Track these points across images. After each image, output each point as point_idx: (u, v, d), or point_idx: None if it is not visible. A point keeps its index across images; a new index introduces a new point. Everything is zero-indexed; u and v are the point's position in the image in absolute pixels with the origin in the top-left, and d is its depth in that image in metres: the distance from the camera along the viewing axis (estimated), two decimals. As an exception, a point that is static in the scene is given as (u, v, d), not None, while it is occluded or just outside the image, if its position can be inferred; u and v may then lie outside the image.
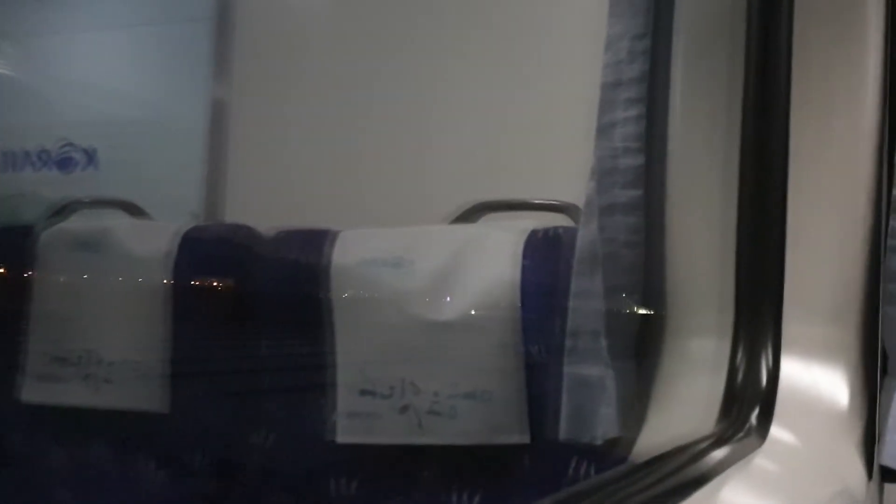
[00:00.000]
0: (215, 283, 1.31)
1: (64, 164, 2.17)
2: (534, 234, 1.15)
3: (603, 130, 0.75)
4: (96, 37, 2.23)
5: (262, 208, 1.84)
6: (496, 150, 1.82)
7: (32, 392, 1.31)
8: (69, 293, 1.34)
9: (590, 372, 0.74)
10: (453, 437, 1.12)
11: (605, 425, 0.72)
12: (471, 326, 1.12)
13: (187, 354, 1.27)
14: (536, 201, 1.30)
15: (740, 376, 0.66)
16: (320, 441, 1.17)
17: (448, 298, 1.14)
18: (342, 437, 1.16)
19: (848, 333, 0.70)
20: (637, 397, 0.72)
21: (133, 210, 1.45)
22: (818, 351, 0.69)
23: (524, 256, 1.13)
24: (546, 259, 1.13)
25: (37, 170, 2.19)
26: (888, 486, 0.72)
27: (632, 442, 0.69)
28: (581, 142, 0.79)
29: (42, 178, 2.17)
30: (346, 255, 1.19)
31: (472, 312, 1.12)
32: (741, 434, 0.63)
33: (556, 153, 1.28)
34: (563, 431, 0.76)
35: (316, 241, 1.22)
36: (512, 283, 1.12)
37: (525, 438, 1.11)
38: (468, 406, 1.11)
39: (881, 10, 0.70)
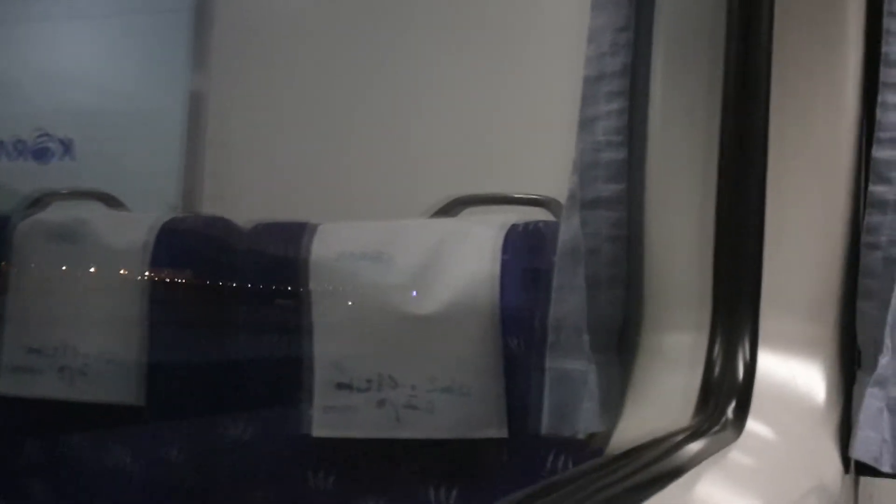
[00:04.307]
0: (192, 276, 1.30)
1: (40, 154, 2.15)
2: (514, 228, 1.15)
3: (585, 124, 0.75)
4: (74, 26, 2.21)
5: (240, 201, 1.83)
6: (477, 144, 1.82)
7: (7, 384, 1.30)
8: (45, 284, 1.33)
9: (572, 366, 0.74)
10: (431, 432, 1.12)
11: (587, 420, 0.73)
12: (450, 321, 1.12)
13: (164, 347, 1.27)
14: (517, 196, 1.30)
15: (717, 370, 0.67)
16: (297, 435, 1.16)
17: (427, 292, 1.13)
18: (318, 431, 1.16)
19: (825, 329, 0.70)
20: (617, 391, 0.72)
21: (110, 201, 1.44)
22: (795, 346, 0.70)
23: (504, 251, 1.13)
24: (526, 253, 1.13)
25: (12, 160, 2.16)
26: (863, 479, 0.72)
27: (608, 435, 0.69)
28: (563, 136, 0.79)
29: (18, 168, 2.15)
30: (325, 248, 1.19)
31: (452, 307, 1.12)
32: (717, 427, 0.63)
33: (538, 147, 1.28)
34: (546, 426, 0.76)
35: (295, 234, 1.22)
36: (491, 277, 1.12)
37: (503, 433, 1.11)
38: (446, 400, 1.11)
39: (861, 7, 0.71)
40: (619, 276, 0.74)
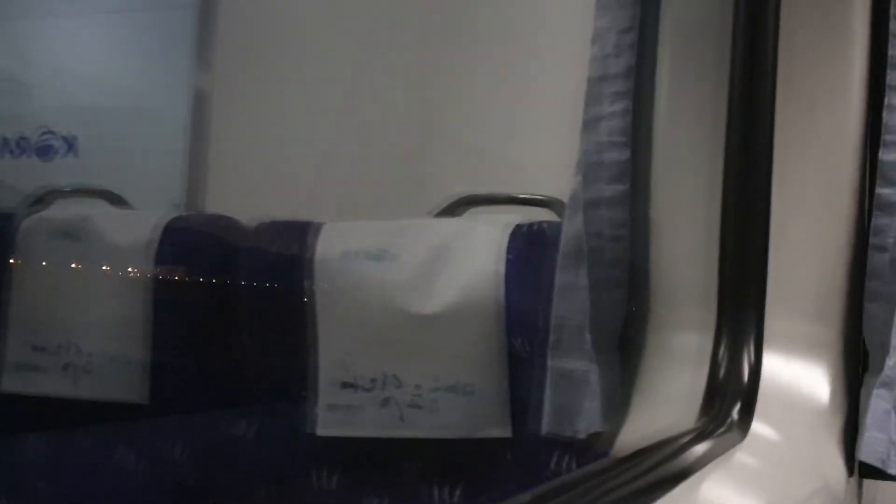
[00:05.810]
0: (196, 274, 1.30)
1: (43, 151, 2.15)
2: (518, 228, 1.15)
3: (589, 125, 0.75)
4: (77, 22, 2.20)
5: (244, 199, 1.83)
6: (483, 143, 1.81)
7: (11, 381, 1.30)
8: (49, 282, 1.33)
9: (574, 366, 0.75)
10: (435, 431, 1.12)
11: (588, 420, 0.73)
12: (454, 320, 1.12)
13: (168, 345, 1.27)
14: (521, 196, 1.30)
15: (722, 371, 0.67)
16: (301, 434, 1.17)
17: (432, 292, 1.13)
18: (323, 430, 1.16)
19: (830, 330, 0.70)
20: (621, 392, 0.73)
21: (114, 199, 1.44)
22: (800, 347, 0.70)
23: (508, 251, 1.13)
24: (530, 253, 1.13)
25: (16, 157, 2.16)
26: (868, 482, 0.73)
27: (613, 436, 0.69)
28: (567, 136, 0.79)
29: (21, 165, 2.15)
30: (329, 247, 1.19)
31: (456, 306, 1.12)
32: (723, 429, 0.63)
33: (543, 148, 1.28)
34: (546, 426, 0.77)
35: (299, 233, 1.22)
36: (496, 276, 1.12)
37: (507, 432, 1.11)
38: (450, 400, 1.11)
39: (867, 7, 0.71)
40: (621, 277, 0.75)
